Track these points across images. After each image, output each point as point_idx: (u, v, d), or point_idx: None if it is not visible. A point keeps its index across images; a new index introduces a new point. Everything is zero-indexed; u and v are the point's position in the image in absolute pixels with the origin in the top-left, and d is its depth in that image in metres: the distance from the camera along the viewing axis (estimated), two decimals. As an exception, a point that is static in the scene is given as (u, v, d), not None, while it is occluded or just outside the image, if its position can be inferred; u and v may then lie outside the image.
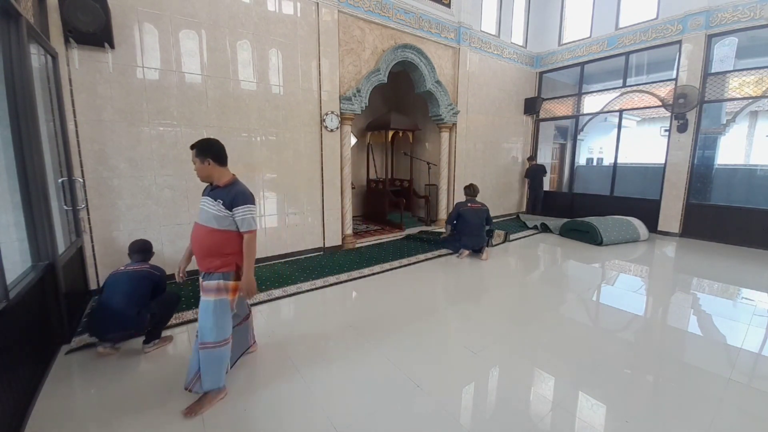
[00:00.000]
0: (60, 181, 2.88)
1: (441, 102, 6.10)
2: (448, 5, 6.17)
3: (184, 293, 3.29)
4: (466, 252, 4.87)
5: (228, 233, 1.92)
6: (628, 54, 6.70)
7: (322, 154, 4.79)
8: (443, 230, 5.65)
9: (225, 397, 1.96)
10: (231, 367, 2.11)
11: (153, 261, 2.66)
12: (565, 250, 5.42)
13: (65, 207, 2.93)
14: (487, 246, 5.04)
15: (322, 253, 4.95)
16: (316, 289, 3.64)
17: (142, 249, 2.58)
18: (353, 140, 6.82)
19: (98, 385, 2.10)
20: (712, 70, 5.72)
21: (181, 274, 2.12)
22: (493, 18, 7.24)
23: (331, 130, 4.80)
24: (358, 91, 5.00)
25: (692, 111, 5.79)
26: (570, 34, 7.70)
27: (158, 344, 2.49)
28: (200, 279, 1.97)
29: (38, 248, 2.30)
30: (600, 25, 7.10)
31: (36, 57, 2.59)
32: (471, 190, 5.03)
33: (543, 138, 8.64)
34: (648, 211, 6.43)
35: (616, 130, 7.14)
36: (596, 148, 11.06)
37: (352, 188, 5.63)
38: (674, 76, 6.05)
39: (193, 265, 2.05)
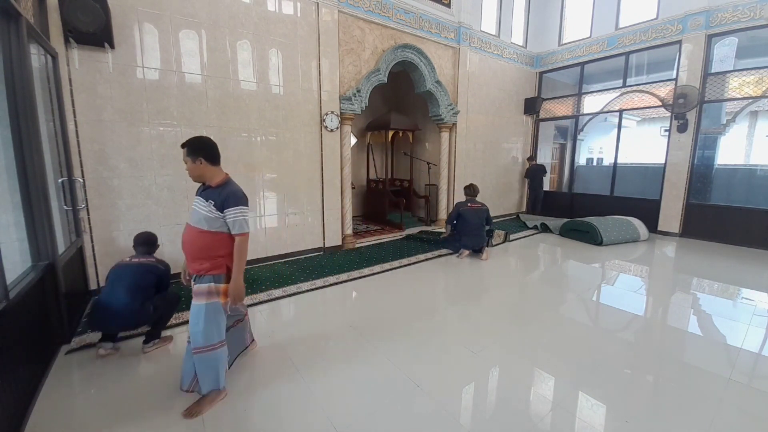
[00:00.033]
0: (60, 181, 2.88)
1: (441, 102, 6.10)
2: (448, 5, 6.17)
3: (184, 293, 3.29)
4: (466, 252, 4.87)
5: (219, 235, 1.86)
6: (628, 54, 6.70)
7: (322, 154, 4.79)
8: (443, 230, 5.65)
9: (225, 397, 1.96)
10: (229, 368, 2.11)
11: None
12: (565, 250, 5.42)
13: (65, 207, 2.93)
14: (487, 246, 5.04)
15: (322, 253, 4.95)
16: (316, 289, 3.64)
17: (147, 241, 2.58)
18: (353, 140, 6.82)
19: (98, 385, 2.10)
20: (712, 70, 5.72)
21: (187, 277, 2.05)
22: (493, 18, 7.24)
23: (331, 130, 4.81)
24: (358, 91, 5.00)
25: (692, 111, 5.79)
26: (570, 34, 7.70)
27: (158, 344, 2.48)
28: (192, 282, 1.92)
29: (38, 248, 2.31)
30: (600, 25, 7.10)
31: (36, 57, 2.59)
32: (471, 190, 5.03)
33: (543, 138, 8.64)
34: (648, 211, 6.43)
35: (616, 130, 7.14)
36: (596, 148, 11.06)
37: (352, 188, 5.63)
38: (674, 76, 6.05)
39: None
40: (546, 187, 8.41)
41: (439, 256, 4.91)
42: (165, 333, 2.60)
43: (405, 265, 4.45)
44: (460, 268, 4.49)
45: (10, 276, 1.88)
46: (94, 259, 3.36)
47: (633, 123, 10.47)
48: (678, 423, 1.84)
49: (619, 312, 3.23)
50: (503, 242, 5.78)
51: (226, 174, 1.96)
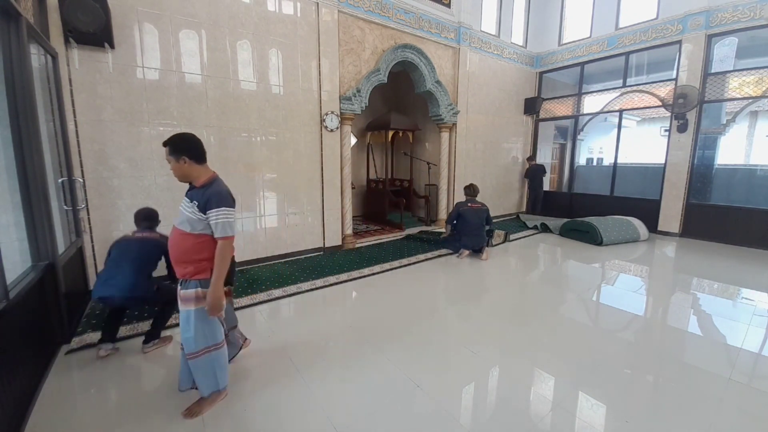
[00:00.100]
0: (60, 181, 2.88)
1: (441, 102, 6.10)
2: (448, 5, 6.17)
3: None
4: (466, 252, 4.87)
5: (202, 238, 1.75)
6: (628, 54, 6.69)
7: (322, 154, 4.79)
8: (443, 230, 5.65)
9: (225, 397, 1.95)
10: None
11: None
12: (565, 250, 5.42)
13: (65, 207, 2.93)
14: (487, 246, 5.04)
15: (322, 253, 4.95)
16: (316, 289, 3.64)
17: (149, 216, 2.57)
18: (353, 140, 6.82)
19: (98, 385, 2.10)
20: (712, 70, 5.72)
21: None
22: (493, 18, 7.24)
23: (331, 130, 4.80)
24: (358, 91, 5.00)
25: (692, 111, 5.79)
26: (570, 34, 7.70)
27: (158, 344, 2.49)
28: (179, 287, 1.83)
29: (38, 248, 2.30)
30: (600, 25, 7.10)
31: (36, 57, 2.59)
32: (471, 190, 5.03)
33: (543, 138, 8.64)
34: (648, 211, 6.43)
35: (616, 130, 7.14)
36: (596, 148, 11.07)
37: (352, 188, 5.63)
38: (674, 76, 6.05)
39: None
40: (546, 187, 8.41)
41: (439, 256, 4.91)
42: (165, 333, 2.60)
43: (405, 265, 4.45)
44: (460, 268, 4.49)
45: (10, 276, 1.88)
46: (94, 259, 3.36)
47: (633, 123, 10.47)
48: (678, 423, 1.84)
49: (619, 312, 3.23)
50: (503, 242, 5.78)
51: (214, 173, 1.86)
